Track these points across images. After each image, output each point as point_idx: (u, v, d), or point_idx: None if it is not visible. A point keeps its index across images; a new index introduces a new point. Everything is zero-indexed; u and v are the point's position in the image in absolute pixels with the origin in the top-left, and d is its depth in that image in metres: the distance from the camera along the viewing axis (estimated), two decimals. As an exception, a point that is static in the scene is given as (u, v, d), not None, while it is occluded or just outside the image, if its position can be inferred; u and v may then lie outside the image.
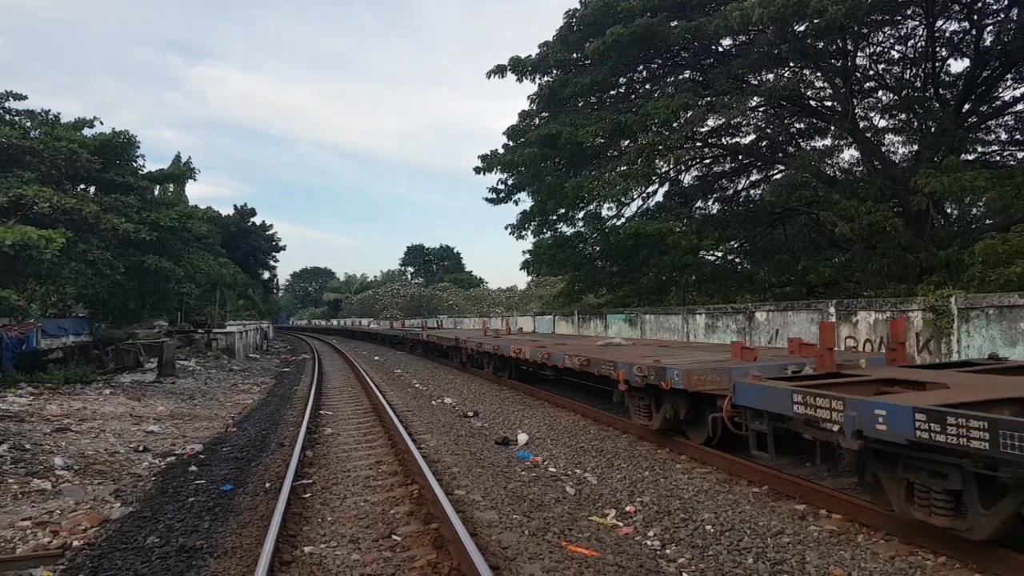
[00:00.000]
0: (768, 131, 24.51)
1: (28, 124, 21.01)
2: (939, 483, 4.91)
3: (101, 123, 22.52)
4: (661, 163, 22.40)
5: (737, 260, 25.81)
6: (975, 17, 18.96)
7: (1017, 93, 20.31)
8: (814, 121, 23.38)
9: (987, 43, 19.15)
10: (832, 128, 22.54)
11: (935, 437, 4.59)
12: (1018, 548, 4.80)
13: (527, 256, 27.42)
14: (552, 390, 14.69)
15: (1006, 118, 21.43)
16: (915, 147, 21.66)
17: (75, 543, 6.09)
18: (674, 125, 20.15)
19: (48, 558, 5.70)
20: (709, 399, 7.97)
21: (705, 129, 23.07)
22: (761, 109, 22.86)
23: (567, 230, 26.92)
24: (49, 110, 21.84)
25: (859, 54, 21.34)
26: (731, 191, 27.00)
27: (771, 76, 21.85)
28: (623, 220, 25.31)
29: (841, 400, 5.32)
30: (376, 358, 30.20)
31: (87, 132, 22.00)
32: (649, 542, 5.81)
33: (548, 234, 27.12)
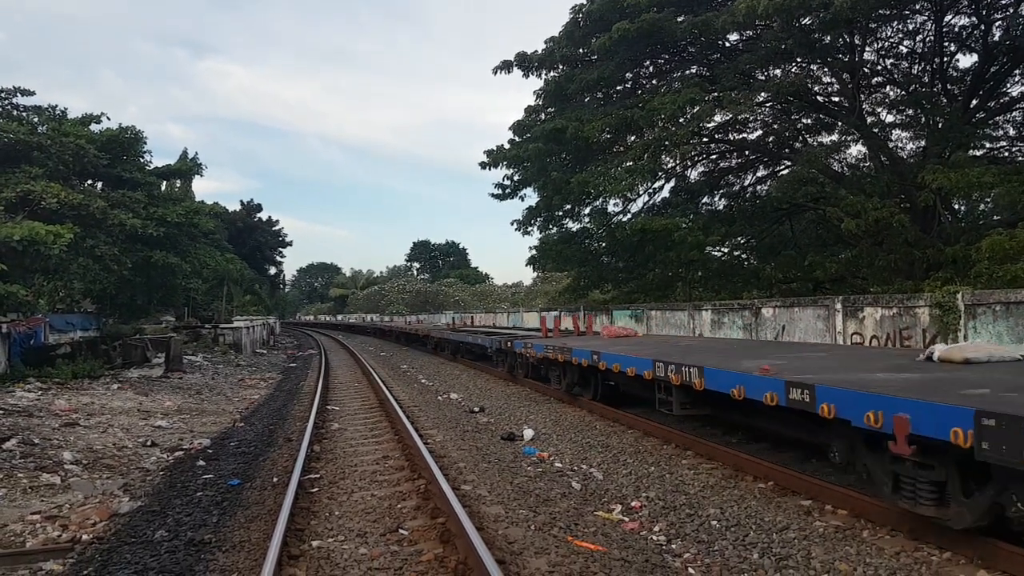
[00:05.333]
0: (775, 127, 24.44)
1: (35, 120, 21.15)
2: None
3: (108, 119, 22.68)
4: (667, 159, 22.39)
5: (743, 256, 25.78)
6: (983, 12, 18.85)
7: (1026, 88, 20.21)
8: (821, 117, 23.30)
9: (995, 38, 19.05)
10: (839, 124, 22.48)
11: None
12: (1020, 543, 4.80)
13: (533, 252, 27.43)
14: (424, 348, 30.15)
15: (1014, 114, 21.33)
16: (922, 143, 21.60)
17: (84, 537, 6.14)
18: (680, 120, 20.11)
19: (58, 552, 5.75)
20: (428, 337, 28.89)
21: (712, 125, 22.98)
22: (768, 105, 22.78)
23: (573, 226, 26.93)
24: (56, 106, 22.03)
25: (867, 49, 21.26)
26: (738, 187, 26.94)
27: (778, 72, 21.78)
28: (629, 216, 25.31)
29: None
30: (383, 353, 30.28)
31: (94, 128, 22.13)
32: (655, 537, 5.82)
33: (554, 230, 27.11)
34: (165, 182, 29.56)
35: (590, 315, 21.03)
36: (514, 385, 16.61)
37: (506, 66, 23.95)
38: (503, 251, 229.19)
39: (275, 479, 8.06)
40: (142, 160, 23.93)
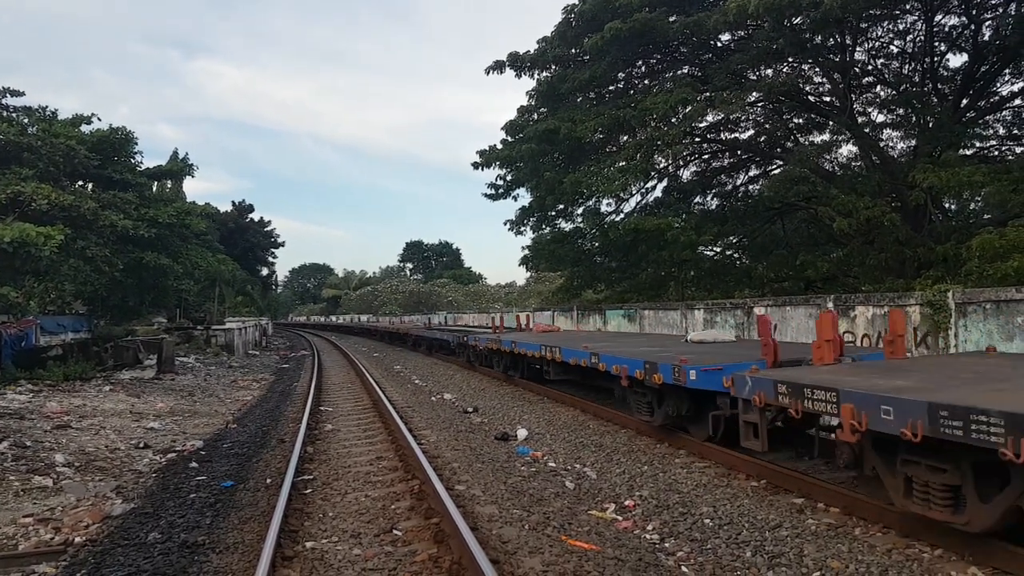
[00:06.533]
0: (767, 126, 24.50)
1: (25, 120, 20.97)
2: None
3: (99, 119, 22.50)
4: (660, 158, 22.41)
5: (736, 255, 25.86)
6: (974, 11, 18.96)
7: (1015, 88, 20.33)
8: (812, 116, 23.39)
9: (985, 38, 19.17)
10: (830, 123, 22.55)
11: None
12: (1016, 541, 4.85)
13: (526, 252, 27.44)
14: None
15: (1004, 113, 21.44)
16: (913, 142, 21.68)
17: (77, 540, 6.12)
18: (673, 120, 20.15)
19: (51, 555, 5.73)
20: (408, 335, 32.68)
21: (704, 124, 23.04)
22: (760, 104, 22.85)
23: (566, 226, 26.94)
24: (47, 106, 21.83)
25: (857, 49, 21.33)
26: (730, 186, 27.00)
27: (769, 71, 21.85)
28: (622, 216, 25.35)
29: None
30: (376, 354, 30.23)
31: (85, 128, 21.95)
32: (648, 536, 5.84)
33: (547, 230, 27.12)
34: (156, 183, 29.41)
35: (529, 314, 24.90)
36: (473, 373, 19.00)
37: (498, 66, 23.93)
38: (497, 251, 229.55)
39: (268, 480, 8.05)
40: (133, 161, 23.76)
